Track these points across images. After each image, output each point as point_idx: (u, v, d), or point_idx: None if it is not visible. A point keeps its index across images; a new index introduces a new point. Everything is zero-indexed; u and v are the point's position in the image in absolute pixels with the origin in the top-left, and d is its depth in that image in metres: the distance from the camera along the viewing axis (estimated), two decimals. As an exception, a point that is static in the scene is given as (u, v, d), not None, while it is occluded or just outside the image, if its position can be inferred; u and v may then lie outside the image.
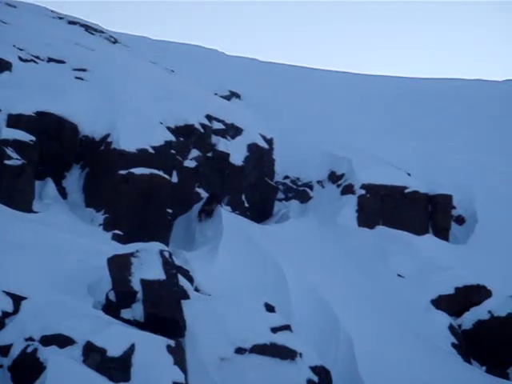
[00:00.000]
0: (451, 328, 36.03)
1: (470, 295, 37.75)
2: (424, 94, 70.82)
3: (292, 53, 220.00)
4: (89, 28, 59.48)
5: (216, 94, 55.49)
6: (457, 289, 38.07)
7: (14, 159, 34.31)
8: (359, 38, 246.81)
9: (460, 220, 47.03)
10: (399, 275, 39.61)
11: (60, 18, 59.06)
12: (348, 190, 45.21)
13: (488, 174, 52.27)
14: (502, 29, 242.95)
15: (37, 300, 22.72)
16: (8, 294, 22.83)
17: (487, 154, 56.35)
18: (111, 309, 23.44)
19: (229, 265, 34.86)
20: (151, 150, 38.54)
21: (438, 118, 64.29)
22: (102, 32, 60.65)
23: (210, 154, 42.53)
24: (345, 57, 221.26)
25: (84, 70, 42.72)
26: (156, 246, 25.68)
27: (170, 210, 38.62)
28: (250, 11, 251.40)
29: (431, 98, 69.69)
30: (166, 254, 25.10)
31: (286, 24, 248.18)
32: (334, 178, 46.75)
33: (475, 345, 35.53)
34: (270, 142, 46.02)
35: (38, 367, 20.50)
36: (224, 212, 39.59)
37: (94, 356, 20.99)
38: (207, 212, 39.41)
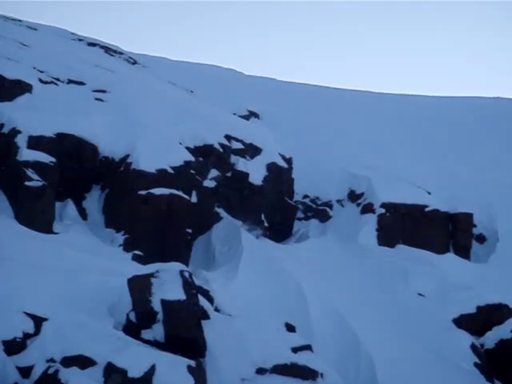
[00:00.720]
0: (473, 347, 35.71)
1: (492, 314, 37.41)
2: (443, 113, 70.72)
3: (311, 72, 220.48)
4: (108, 49, 59.88)
5: (235, 113, 55.63)
6: (479, 308, 37.76)
7: (35, 180, 34.51)
8: (379, 56, 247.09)
9: (481, 238, 46.77)
10: (420, 294, 39.37)
11: (80, 40, 59.54)
12: (368, 208, 45.11)
13: (509, 192, 52.01)
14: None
15: (58, 321, 22.77)
16: (29, 315, 22.91)
17: (507, 172, 56.09)
18: (132, 329, 23.45)
19: (249, 284, 34.79)
20: (170, 171, 38.63)
21: (457, 136, 64.13)
22: (122, 53, 61.06)
23: (229, 174, 42.57)
24: (364, 75, 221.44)
25: (104, 92, 42.98)
26: (176, 266, 25.68)
27: (189, 230, 38.63)
28: (267, 31, 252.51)
29: (451, 117, 69.57)
30: (186, 274, 25.10)
31: (305, 43, 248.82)
32: (353, 196, 46.67)
33: (498, 364, 35.16)
34: (289, 161, 46.01)
35: (59, 388, 20.53)
36: (243, 232, 39.55)
37: (115, 377, 20.99)
38: None
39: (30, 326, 22.64)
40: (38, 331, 22.53)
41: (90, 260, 29.75)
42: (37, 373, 21.26)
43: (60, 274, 26.40)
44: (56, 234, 34.49)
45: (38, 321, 22.80)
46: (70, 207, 37.07)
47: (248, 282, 34.92)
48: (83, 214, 37.63)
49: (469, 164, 56.83)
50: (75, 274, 26.83)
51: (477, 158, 58.53)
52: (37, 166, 35.15)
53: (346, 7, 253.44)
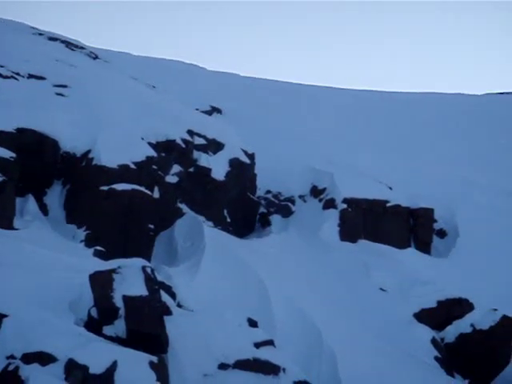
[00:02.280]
0: (434, 341, 36.03)
1: (452, 308, 37.77)
2: (404, 108, 71.20)
3: (273, 67, 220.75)
4: (69, 44, 59.35)
5: (197, 109, 55.50)
6: (439, 302, 38.11)
7: (-5, 176, 34.10)
8: (341, 52, 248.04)
9: (441, 233, 47.21)
10: (381, 289, 39.65)
11: (40, 35, 58.94)
12: (330, 204, 45.31)
13: (469, 187, 52.57)
14: (482, 45, 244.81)
15: (18, 317, 22.54)
16: (-12, 311, 22.64)
17: (468, 168, 56.67)
18: (93, 325, 23.30)
19: (211, 280, 34.76)
20: (133, 166, 38.45)
21: (418, 131, 64.62)
22: (83, 48, 60.56)
23: (191, 170, 42.49)
24: (325, 70, 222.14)
25: (64, 87, 42.65)
26: (138, 261, 25.53)
27: (151, 226, 38.50)
28: (230, 26, 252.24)
29: (412, 112, 70.08)
30: (149, 270, 24.97)
31: (267, 38, 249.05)
32: (315, 192, 46.83)
33: (458, 358, 35.53)
34: (251, 156, 46.05)
35: (19, 385, 20.34)
36: (206, 227, 39.52)
37: (76, 373, 20.81)
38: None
39: (-11, 323, 22.37)
40: (-2, 328, 22.27)
41: (51, 256, 29.50)
42: (-3, 370, 21.01)
43: (20, 270, 26.14)
44: (16, 229, 34.15)
45: (-2, 317, 22.54)
46: (31, 203, 36.73)
47: (210, 278, 34.90)
48: (44, 209, 37.33)
49: (430, 159, 57.30)
50: (36, 270, 26.60)
51: (438, 154, 59.04)
52: (-4, 162, 34.74)
53: (311, 2, 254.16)
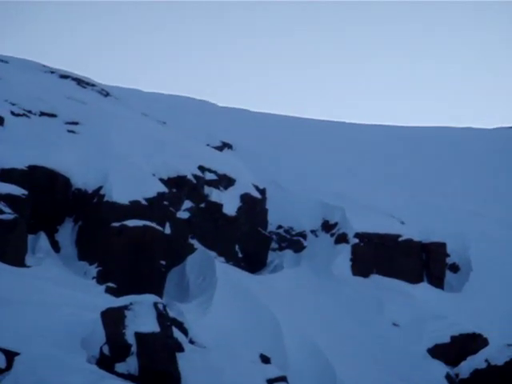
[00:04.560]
0: (448, 377, 35.72)
1: (466, 344, 37.49)
2: (416, 143, 71.18)
3: (284, 103, 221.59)
4: (80, 81, 59.72)
5: (208, 144, 55.63)
6: (453, 337, 37.83)
7: (7, 213, 34.18)
8: (351, 87, 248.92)
9: (454, 268, 46.97)
10: (395, 324, 39.38)
11: (52, 72, 59.31)
12: (342, 238, 45.19)
13: (481, 221, 52.36)
14: (492, 79, 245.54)
15: (30, 355, 22.44)
16: (0, 349, 22.56)
17: (480, 201, 56.47)
18: (105, 363, 23.19)
19: (223, 316, 34.59)
20: (144, 202, 38.50)
21: (430, 166, 64.53)
22: (94, 85, 60.89)
23: (202, 205, 42.50)
24: (337, 106, 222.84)
25: (76, 124, 42.88)
26: (150, 298, 25.48)
27: (163, 262, 38.44)
28: (240, 62, 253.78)
29: (423, 147, 70.03)
30: (160, 306, 24.91)
31: (278, 74, 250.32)
32: (327, 227, 46.73)
33: (473, 394, 35.16)
34: (262, 192, 46.04)
35: (31, 424, 20.19)
36: (218, 263, 39.42)
37: (88, 411, 20.67)
38: None
39: (1, 361, 22.29)
40: (10, 366, 22.19)
41: (63, 293, 29.45)
42: (9, 408, 20.88)
43: (32, 307, 26.09)
44: (28, 267, 34.15)
45: (10, 355, 22.46)
46: (43, 240, 36.76)
47: (223, 314, 34.73)
48: (56, 246, 37.35)
49: (441, 194, 57.14)
50: (47, 307, 26.53)
51: (449, 188, 58.88)
52: (8, 199, 34.85)
53: (319, 39, 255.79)
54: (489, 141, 73.80)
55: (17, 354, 22.53)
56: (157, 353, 23.39)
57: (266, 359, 27.90)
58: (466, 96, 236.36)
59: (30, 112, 42.75)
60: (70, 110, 44.53)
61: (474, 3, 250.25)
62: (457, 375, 36.07)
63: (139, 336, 23.47)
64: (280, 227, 47.82)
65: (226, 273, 38.54)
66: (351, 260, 44.01)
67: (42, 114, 43.19)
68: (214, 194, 43.17)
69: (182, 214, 41.19)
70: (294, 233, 47.42)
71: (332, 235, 46.00)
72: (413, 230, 46.47)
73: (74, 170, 38.83)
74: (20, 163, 37.26)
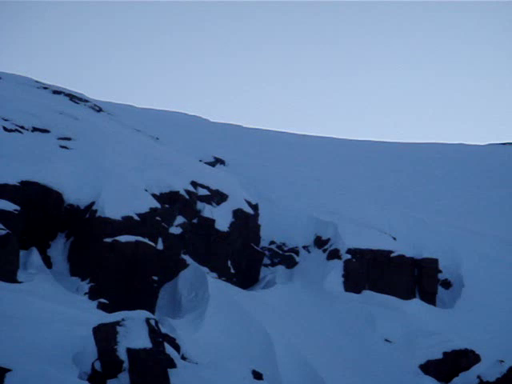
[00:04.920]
0: (440, 393, 35.69)
1: (458, 360, 37.49)
2: (408, 159, 71.40)
3: (276, 118, 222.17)
4: (73, 97, 59.86)
5: (201, 160, 55.71)
6: (445, 354, 37.82)
7: (-1, 229, 34.11)
8: (344, 103, 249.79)
9: (446, 284, 47.00)
10: (387, 340, 39.37)
11: (44, 88, 59.46)
12: (334, 254, 45.24)
13: (473, 237, 52.45)
14: (484, 97, 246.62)
15: (21, 372, 22.35)
16: (-9, 366, 22.46)
17: (472, 218, 56.61)
18: (97, 379, 23.13)
19: (215, 332, 34.55)
20: (136, 218, 38.48)
21: (422, 182, 64.70)
22: (87, 101, 61.04)
23: (195, 221, 42.50)
24: (329, 122, 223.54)
25: (68, 139, 42.89)
26: (142, 313, 25.43)
27: (155, 277, 38.39)
28: (233, 78, 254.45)
29: (416, 163, 70.25)
30: (152, 322, 24.87)
31: (270, 90, 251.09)
32: (319, 242, 46.77)
33: (465, 410, 35.14)
34: (255, 207, 46.07)
35: None
36: (210, 278, 39.39)
37: (79, 428, 20.59)
38: None
39: (-8, 378, 22.18)
40: (1, 382, 22.09)
41: (55, 309, 29.37)
42: (0, 425, 20.75)
43: (23, 323, 26.01)
44: (20, 282, 34.03)
45: (1, 372, 22.36)
46: (35, 255, 36.68)
47: (215, 330, 34.69)
48: (48, 262, 37.28)
49: (433, 210, 57.27)
50: (39, 323, 26.46)
51: (441, 204, 59.02)
52: (0, 214, 34.81)
53: (311, 53, 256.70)
54: (481, 157, 74.10)
55: (8, 370, 22.44)
56: (149, 369, 23.34)
57: (258, 375, 27.82)
58: (459, 113, 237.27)
59: (22, 127, 42.74)
60: (62, 126, 44.55)
61: (465, 19, 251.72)
62: (449, 391, 36.06)
63: (131, 352, 23.41)
64: (272, 243, 47.84)
65: (218, 288, 38.50)
66: (343, 276, 44.05)
67: (35, 129, 43.19)
68: (207, 210, 43.19)
69: (175, 230, 41.17)
70: (286, 248, 47.44)
71: (324, 251, 46.04)
72: (405, 246, 46.55)
73: (67, 185, 38.81)
74: (12, 179, 37.23)
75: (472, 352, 37.83)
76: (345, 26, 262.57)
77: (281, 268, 46.19)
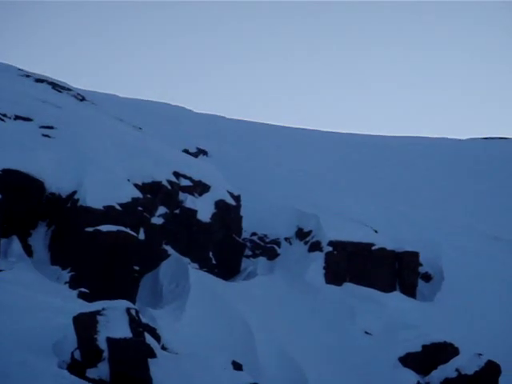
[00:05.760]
0: (419, 386, 35.86)
1: (437, 353, 37.67)
2: (390, 152, 71.62)
3: (259, 110, 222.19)
4: (56, 86, 59.52)
5: (183, 150, 55.60)
6: (424, 346, 37.99)
7: (-21, 217, 33.99)
8: (326, 95, 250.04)
9: (427, 277, 47.23)
10: (367, 333, 39.54)
11: (27, 76, 59.11)
12: (315, 246, 45.33)
13: (454, 230, 52.74)
14: (466, 90, 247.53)
15: (1, 360, 22.31)
16: (-30, 354, 22.41)
17: (453, 211, 56.90)
18: (77, 368, 23.10)
19: (196, 322, 34.60)
20: (118, 207, 38.41)
21: (404, 175, 64.93)
22: (70, 90, 60.72)
23: (177, 211, 42.47)
24: (313, 115, 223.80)
25: (51, 128, 42.69)
26: (123, 303, 25.43)
27: (136, 267, 38.37)
28: (217, 69, 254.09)
29: (397, 156, 70.48)
30: (133, 312, 24.86)
31: (253, 81, 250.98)
32: (301, 234, 46.84)
33: (443, 403, 35.35)
34: (237, 198, 46.08)
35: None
36: (191, 269, 39.40)
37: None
38: None
39: (-30, 366, 22.12)
40: (-20, 370, 22.03)
41: (35, 298, 29.31)
42: (-22, 413, 20.73)
43: (3, 311, 25.94)
44: (0, 271, 33.92)
45: (-19, 360, 22.31)
46: (15, 244, 36.56)
47: (195, 320, 34.74)
48: (29, 250, 37.16)
49: (414, 203, 57.51)
50: (19, 311, 26.40)
51: (422, 197, 59.28)
52: (-19, 202, 34.65)
53: (294, 46, 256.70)
54: (462, 151, 74.43)
55: (-14, 358, 22.39)
56: (129, 359, 23.33)
57: (238, 366, 27.86)
58: (441, 107, 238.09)
59: (4, 115, 42.53)
60: (45, 114, 44.35)
61: (445, 23, 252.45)
62: (427, 384, 36.27)
63: (111, 341, 23.40)
64: (254, 234, 47.88)
65: (199, 279, 38.53)
66: (324, 268, 44.15)
67: (17, 117, 42.98)
68: (189, 201, 43.16)
69: (157, 220, 41.14)
70: (268, 240, 47.49)
71: (306, 243, 46.12)
72: (386, 239, 46.73)
73: (49, 174, 38.66)
74: (-6, 167, 37.05)
75: (451, 345, 38.03)
76: (325, 20, 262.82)
77: (262, 259, 46.25)
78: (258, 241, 47.51)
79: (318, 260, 44.46)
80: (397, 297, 44.33)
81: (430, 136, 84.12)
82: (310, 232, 46.48)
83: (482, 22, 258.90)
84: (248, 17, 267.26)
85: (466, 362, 35.88)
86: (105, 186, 38.98)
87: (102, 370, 23.01)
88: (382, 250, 45.93)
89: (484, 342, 38.76)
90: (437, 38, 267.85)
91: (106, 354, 23.18)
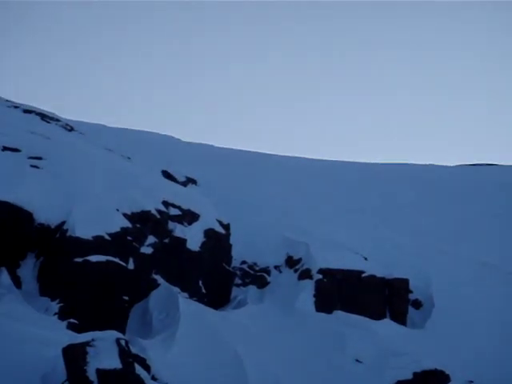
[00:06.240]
0: (411, 413, 35.79)
1: (428, 380, 37.63)
2: (378, 179, 71.73)
3: (247, 138, 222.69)
4: (44, 116, 59.55)
5: (172, 179, 55.60)
6: (415, 374, 37.96)
7: (-32, 248, 33.87)
8: (313, 122, 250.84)
9: (417, 304, 47.20)
10: (357, 360, 39.46)
11: (15, 107, 59.13)
12: (305, 274, 45.32)
13: (443, 257, 52.77)
14: (453, 117, 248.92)
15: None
16: (-40, 387, 22.27)
17: (442, 238, 56.93)
18: (66, 400, 22.96)
19: (186, 352, 34.44)
20: (107, 237, 38.36)
21: (393, 202, 64.99)
22: (58, 120, 60.77)
23: (166, 241, 42.42)
24: (300, 142, 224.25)
25: (39, 158, 42.69)
26: (112, 334, 25.37)
27: (126, 297, 38.24)
28: (204, 98, 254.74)
29: (386, 183, 70.58)
30: (123, 343, 24.81)
31: (241, 110, 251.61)
32: (291, 262, 46.82)
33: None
34: (226, 227, 46.07)
35: None
36: (181, 298, 39.29)
37: None
38: None
39: (-40, 399, 21.96)
40: (-32, 404, 21.88)
41: (24, 329, 29.16)
42: None
43: (-8, 343, 25.79)
44: (-11, 303, 33.75)
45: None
46: (4, 275, 36.38)
47: (185, 350, 34.58)
48: (17, 282, 36.99)
49: (404, 230, 57.53)
50: (8, 344, 26.29)
51: (411, 224, 59.31)
52: (-30, 234, 34.54)
53: (279, 71, 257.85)
54: (451, 178, 74.61)
55: (-25, 391, 22.25)
56: (119, 390, 23.23)
57: (228, 396, 27.82)
58: (429, 134, 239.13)
59: (-8, 146, 42.49)
60: (33, 145, 44.35)
61: (437, 43, 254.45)
62: (419, 411, 36.17)
63: (101, 372, 23.33)
64: (244, 263, 47.82)
65: (189, 309, 38.41)
66: (315, 296, 44.10)
67: (5, 148, 42.96)
68: (178, 230, 43.13)
69: (146, 249, 41.07)
70: (257, 268, 47.44)
71: (296, 271, 46.09)
72: (376, 266, 46.74)
73: (37, 204, 38.62)
74: (-18, 198, 36.97)
75: (442, 372, 38.01)
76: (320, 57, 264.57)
77: (252, 288, 46.17)
78: (248, 269, 47.45)
79: (308, 288, 44.43)
80: (387, 324, 44.28)
81: (417, 163, 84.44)
82: (299, 260, 46.47)
83: (465, 53, 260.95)
84: (238, 45, 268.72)
85: (457, 389, 35.83)
86: (94, 215, 38.96)
87: (91, 402, 22.89)
88: (372, 277, 45.95)
89: (475, 369, 38.71)
90: (423, 64, 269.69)
91: (95, 386, 23.07)
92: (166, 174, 56.50)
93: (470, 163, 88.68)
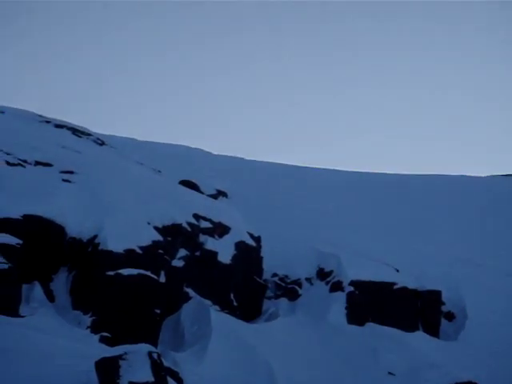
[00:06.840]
0: (445, 426, 35.48)
1: (462, 392, 37.28)
2: (410, 190, 71.48)
3: (278, 151, 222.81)
4: (76, 131, 60.04)
5: (203, 193, 55.75)
6: (449, 386, 37.60)
7: (1, 263, 34.15)
8: (346, 135, 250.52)
9: (449, 316, 46.85)
10: (390, 373, 39.18)
11: (47, 122, 59.65)
12: (337, 286, 45.14)
13: (475, 269, 52.40)
14: (485, 127, 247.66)
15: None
16: (-6, 400, 22.42)
17: (474, 249, 56.56)
18: (99, 413, 23.03)
19: (218, 365, 34.41)
20: (139, 251, 38.48)
21: (424, 213, 64.71)
22: (90, 134, 61.23)
23: (197, 253, 42.49)
24: (331, 153, 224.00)
25: (71, 173, 42.98)
26: (144, 347, 25.40)
27: (158, 311, 38.32)
28: (235, 111, 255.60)
29: (417, 194, 70.33)
30: (155, 356, 24.83)
31: (272, 122, 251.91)
32: (322, 274, 46.69)
33: None
34: (257, 239, 46.07)
35: None
36: (213, 311, 39.31)
37: None
38: None
39: (-6, 412, 22.11)
40: (3, 417, 22.01)
41: (57, 343, 29.32)
42: None
43: (25, 358, 25.98)
44: (22, 317, 34.00)
45: (4, 406, 22.28)
46: (37, 289, 36.64)
47: (218, 363, 34.56)
48: (50, 295, 37.21)
49: (436, 242, 57.24)
50: (41, 357, 26.43)
51: (443, 236, 58.99)
52: (2, 248, 34.85)
53: (310, 85, 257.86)
54: (482, 189, 74.18)
55: (10, 405, 22.38)
56: (151, 403, 23.26)
57: (261, 409, 27.75)
58: (461, 144, 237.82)
59: (25, 161, 42.88)
60: (65, 159, 44.69)
61: (464, 50, 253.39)
62: (453, 425, 35.86)
63: (134, 386, 23.35)
64: (275, 275, 47.74)
65: (221, 321, 38.41)
66: (346, 308, 43.90)
67: (37, 163, 43.34)
68: (209, 242, 43.21)
69: (177, 263, 41.18)
70: (289, 281, 47.34)
71: (327, 283, 45.94)
72: (407, 278, 46.46)
73: (69, 218, 38.87)
74: (15, 212, 37.28)
75: (475, 384, 37.65)
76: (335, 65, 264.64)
77: (283, 300, 46.09)
78: (279, 282, 47.37)
79: (339, 300, 44.24)
80: (420, 336, 43.95)
81: (449, 174, 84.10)
82: (331, 272, 46.32)
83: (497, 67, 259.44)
84: (269, 58, 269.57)
85: (491, 402, 35.49)
86: (125, 229, 39.13)
87: (124, 415, 22.92)
88: (404, 288, 45.66)
89: (509, 381, 38.27)
90: (453, 65, 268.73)
91: (128, 399, 23.11)
92: (196, 187, 56.63)
93: (502, 173, 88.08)
